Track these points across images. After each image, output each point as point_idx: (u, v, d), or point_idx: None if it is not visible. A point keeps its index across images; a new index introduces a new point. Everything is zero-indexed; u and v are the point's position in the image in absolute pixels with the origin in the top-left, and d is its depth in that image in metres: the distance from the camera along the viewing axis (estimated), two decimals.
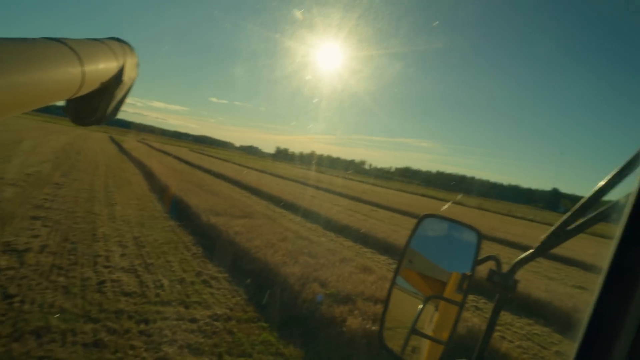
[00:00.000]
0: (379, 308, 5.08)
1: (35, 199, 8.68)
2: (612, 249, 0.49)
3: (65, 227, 7.10)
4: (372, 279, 6.19)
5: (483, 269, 0.81)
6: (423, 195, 47.94)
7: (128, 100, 0.69)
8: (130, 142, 44.90)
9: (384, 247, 9.95)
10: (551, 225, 0.75)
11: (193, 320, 4.51)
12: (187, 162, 30.58)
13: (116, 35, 0.65)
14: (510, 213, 40.35)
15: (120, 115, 0.68)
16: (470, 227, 0.86)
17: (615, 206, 0.60)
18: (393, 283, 0.96)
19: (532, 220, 33.83)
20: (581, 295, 8.20)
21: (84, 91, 0.52)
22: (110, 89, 0.61)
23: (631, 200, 0.49)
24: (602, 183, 0.65)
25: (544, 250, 0.73)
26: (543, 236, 0.72)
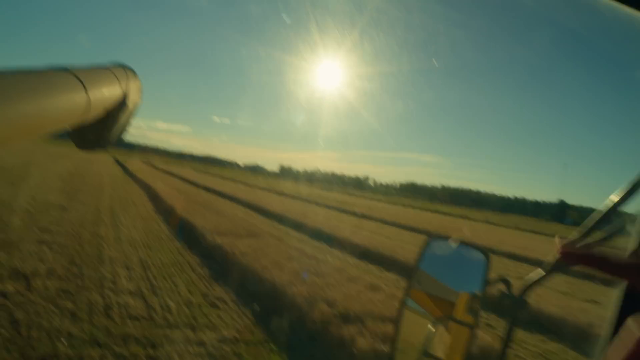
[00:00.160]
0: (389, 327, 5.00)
1: (40, 222, 8.75)
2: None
3: (71, 251, 7.13)
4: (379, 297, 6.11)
5: (493, 289, 0.81)
6: (435, 212, 46.77)
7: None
8: (134, 163, 45.14)
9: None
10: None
11: (200, 344, 4.46)
12: (192, 183, 30.69)
13: (118, 60, 0.65)
14: (519, 227, 39.82)
15: (124, 137, 0.70)
16: (479, 249, 0.87)
17: (629, 218, 0.58)
18: (403, 304, 0.96)
19: (539, 233, 33.36)
20: (596, 310, 8.01)
21: (89, 118, 0.53)
22: (115, 115, 0.62)
23: None
24: (614, 196, 0.63)
25: (556, 270, 0.71)
26: (554, 255, 0.70)
